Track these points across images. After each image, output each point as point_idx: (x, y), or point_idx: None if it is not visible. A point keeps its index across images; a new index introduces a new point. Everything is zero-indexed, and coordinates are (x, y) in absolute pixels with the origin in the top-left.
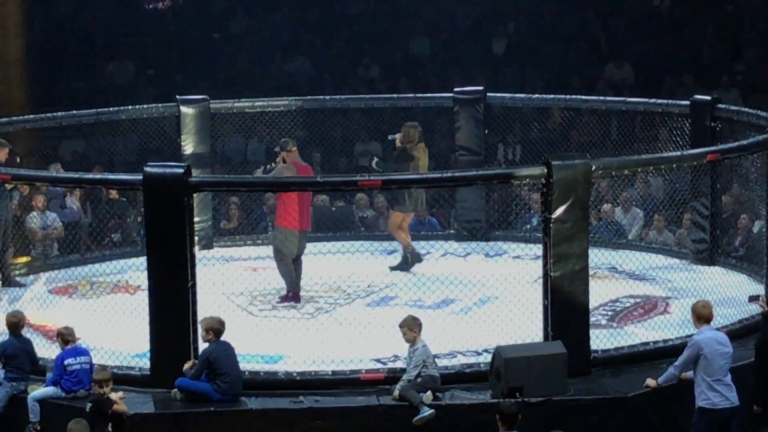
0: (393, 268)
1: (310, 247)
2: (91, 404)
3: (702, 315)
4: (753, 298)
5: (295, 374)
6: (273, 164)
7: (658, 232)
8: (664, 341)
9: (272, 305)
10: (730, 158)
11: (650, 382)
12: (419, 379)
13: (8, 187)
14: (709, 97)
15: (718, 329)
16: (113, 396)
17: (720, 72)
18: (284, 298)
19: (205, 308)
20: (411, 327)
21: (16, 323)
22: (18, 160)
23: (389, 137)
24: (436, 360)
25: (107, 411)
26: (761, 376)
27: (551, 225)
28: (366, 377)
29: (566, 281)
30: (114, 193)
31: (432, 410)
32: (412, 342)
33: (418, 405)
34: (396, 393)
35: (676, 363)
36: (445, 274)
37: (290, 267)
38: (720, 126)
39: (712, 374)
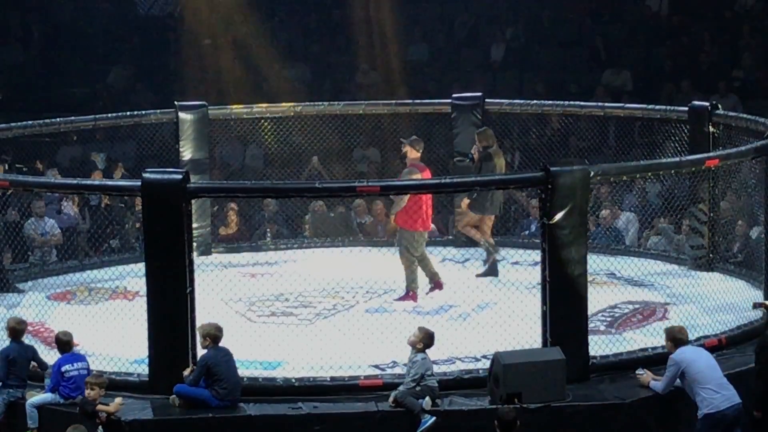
0: (479, 275)
1: (308, 253)
2: (78, 407)
3: (679, 339)
4: (758, 305)
5: (293, 380)
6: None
7: (664, 236)
8: (663, 347)
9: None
10: (728, 164)
11: (645, 378)
12: (418, 388)
13: None
14: (707, 103)
15: (716, 335)
16: (115, 401)
17: (718, 78)
18: (403, 297)
19: (204, 314)
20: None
21: (18, 330)
22: (7, 166)
23: (468, 156)
24: (434, 366)
25: (91, 412)
26: (761, 381)
27: (550, 231)
28: (364, 383)
29: (565, 287)
30: (106, 200)
31: (434, 417)
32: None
33: (418, 413)
34: (391, 398)
35: (661, 385)
36: (444, 279)
37: (416, 267)
38: (718, 132)
39: (707, 381)
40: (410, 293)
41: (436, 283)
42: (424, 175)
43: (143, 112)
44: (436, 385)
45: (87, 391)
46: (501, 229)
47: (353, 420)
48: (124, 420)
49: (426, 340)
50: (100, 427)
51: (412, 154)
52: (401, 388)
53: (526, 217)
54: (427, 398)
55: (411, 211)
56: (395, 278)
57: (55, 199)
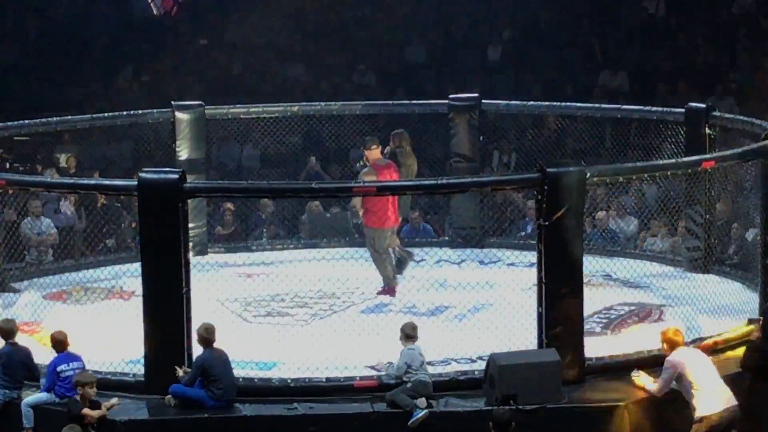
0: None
1: (304, 253)
2: (65, 410)
3: (675, 341)
4: (752, 321)
5: (289, 381)
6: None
7: (660, 237)
8: (658, 349)
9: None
10: (724, 166)
11: (641, 380)
12: (409, 385)
13: None
14: (703, 105)
15: (712, 337)
16: (109, 402)
17: (715, 80)
18: (382, 292)
19: (200, 315)
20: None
21: (9, 330)
22: (8, 165)
23: (359, 163)
24: (428, 366)
25: (77, 413)
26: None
27: (546, 232)
28: (360, 384)
29: (561, 289)
30: (102, 199)
31: (426, 410)
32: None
33: (411, 408)
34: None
35: (656, 387)
36: (440, 280)
37: (386, 262)
38: (715, 134)
39: (703, 384)
40: (388, 287)
41: (389, 288)
42: (385, 173)
43: (140, 111)
44: (428, 379)
45: (80, 389)
46: (497, 231)
47: (348, 421)
48: (120, 420)
49: (406, 332)
50: (90, 428)
51: (373, 154)
52: (383, 375)
53: (522, 218)
54: (423, 399)
55: (376, 209)
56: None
57: (53, 198)
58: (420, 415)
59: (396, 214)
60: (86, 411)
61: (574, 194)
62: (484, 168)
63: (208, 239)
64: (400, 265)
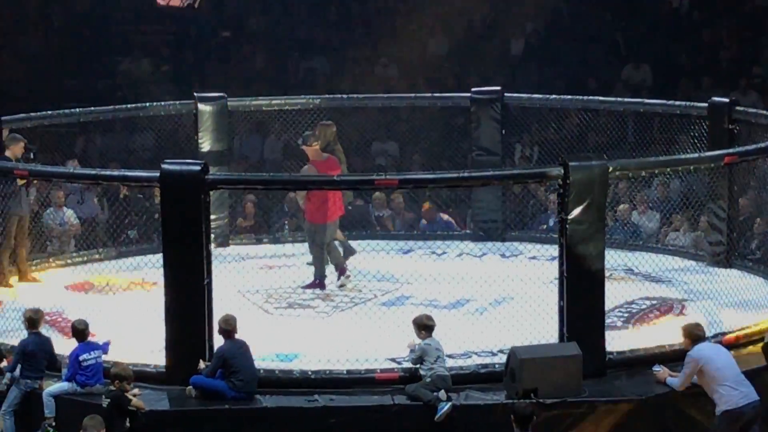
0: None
1: None
2: (110, 400)
3: (696, 335)
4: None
5: (310, 373)
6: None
7: (682, 232)
8: (680, 344)
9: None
10: (747, 161)
11: (662, 375)
12: (428, 379)
13: (20, 182)
14: (727, 100)
15: (733, 332)
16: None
17: (738, 74)
18: (310, 285)
19: (221, 306)
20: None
21: (35, 320)
22: (32, 155)
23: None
24: (448, 359)
25: (126, 407)
26: None
27: (567, 226)
28: (381, 376)
29: (582, 282)
30: (124, 190)
31: (450, 402)
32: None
33: (434, 402)
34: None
35: (678, 381)
36: (461, 273)
37: (323, 256)
38: (738, 128)
39: (725, 378)
40: (317, 281)
41: (341, 270)
42: (323, 166)
43: (162, 103)
44: (447, 373)
45: (117, 383)
46: (519, 224)
47: (369, 413)
48: (143, 410)
49: (421, 327)
50: (127, 420)
51: (312, 151)
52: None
53: (544, 211)
54: (442, 391)
55: (318, 205)
56: (411, 272)
57: (78, 189)
58: (445, 408)
59: (338, 207)
60: (135, 402)
61: (596, 188)
62: (506, 161)
63: (229, 231)
64: (345, 255)
